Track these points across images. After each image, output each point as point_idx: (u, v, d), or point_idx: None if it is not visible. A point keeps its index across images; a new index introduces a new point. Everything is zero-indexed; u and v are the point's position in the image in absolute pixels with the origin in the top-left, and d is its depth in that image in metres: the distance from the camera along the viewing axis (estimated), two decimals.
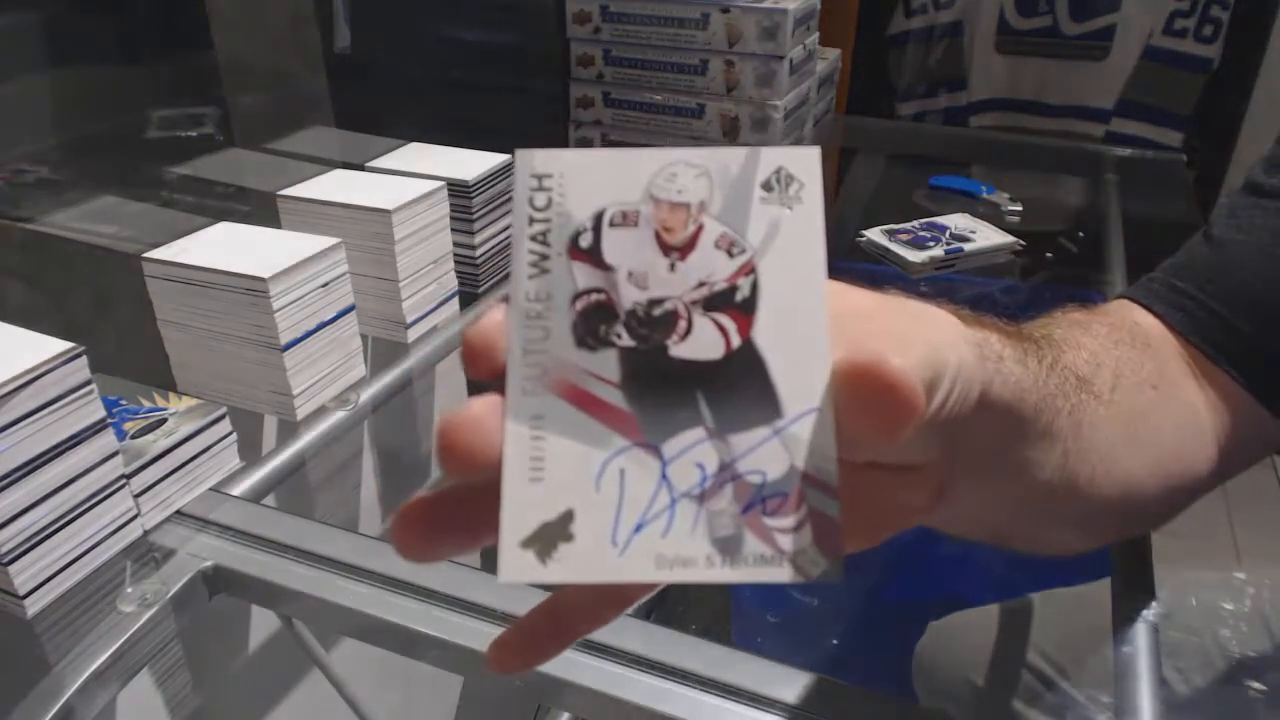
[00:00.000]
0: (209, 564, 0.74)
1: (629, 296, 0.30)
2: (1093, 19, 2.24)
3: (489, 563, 0.82)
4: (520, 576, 0.27)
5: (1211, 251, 0.61)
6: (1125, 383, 0.51)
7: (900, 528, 0.36)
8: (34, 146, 0.99)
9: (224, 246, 0.89)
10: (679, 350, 0.29)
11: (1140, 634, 0.70)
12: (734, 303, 0.29)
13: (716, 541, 0.28)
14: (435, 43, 1.62)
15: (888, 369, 0.27)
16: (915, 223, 1.49)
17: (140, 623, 0.69)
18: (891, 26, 2.41)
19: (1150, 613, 0.71)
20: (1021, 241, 1.44)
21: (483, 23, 1.60)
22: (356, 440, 1.06)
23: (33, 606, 0.68)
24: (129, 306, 0.90)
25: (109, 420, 0.71)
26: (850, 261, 1.39)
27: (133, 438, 0.76)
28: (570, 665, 0.65)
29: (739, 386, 0.29)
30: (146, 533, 0.76)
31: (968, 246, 1.41)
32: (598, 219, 0.30)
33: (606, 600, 0.35)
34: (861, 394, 0.28)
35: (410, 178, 1.03)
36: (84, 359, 0.68)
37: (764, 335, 0.29)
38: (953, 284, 1.38)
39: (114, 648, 0.68)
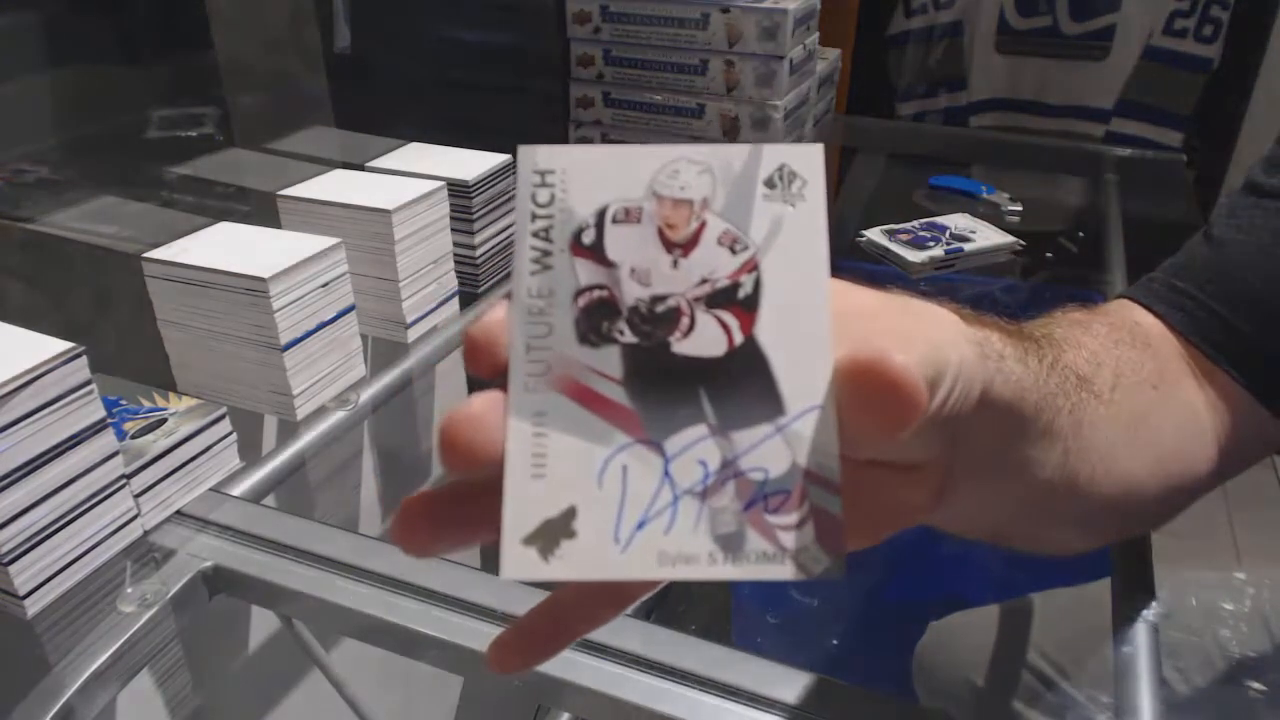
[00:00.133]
0: (209, 564, 0.74)
1: (631, 293, 0.30)
2: (1093, 19, 2.24)
3: (489, 563, 0.82)
4: (522, 573, 0.27)
5: (1212, 251, 0.61)
6: (1125, 382, 0.51)
7: (901, 526, 0.36)
8: (34, 146, 0.98)
9: (224, 246, 0.89)
10: (681, 347, 0.29)
11: (1140, 634, 0.70)
12: (737, 300, 0.29)
13: (719, 538, 0.28)
14: (435, 43, 1.62)
15: (890, 366, 0.27)
16: (915, 223, 1.49)
17: (140, 623, 0.69)
18: (891, 26, 2.41)
19: (1150, 613, 0.71)
20: (1021, 241, 1.44)
21: (482, 23, 1.60)
22: (356, 440, 1.06)
23: (33, 607, 0.68)
24: (129, 306, 0.90)
25: (109, 420, 0.71)
26: (850, 261, 1.39)
27: (133, 438, 0.76)
28: (570, 665, 0.65)
29: (741, 383, 0.29)
30: (146, 533, 0.76)
31: (968, 246, 1.41)
32: (600, 215, 0.30)
33: (607, 599, 0.35)
34: (864, 391, 0.28)
35: (410, 178, 1.03)
36: (84, 359, 0.68)
37: (766, 332, 0.29)
38: (953, 284, 1.38)
39: (114, 648, 0.67)
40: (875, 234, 1.45)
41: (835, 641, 1.29)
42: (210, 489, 0.81)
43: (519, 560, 0.27)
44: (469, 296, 1.11)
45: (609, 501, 0.28)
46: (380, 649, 0.72)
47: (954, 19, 2.36)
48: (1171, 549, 0.78)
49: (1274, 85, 2.25)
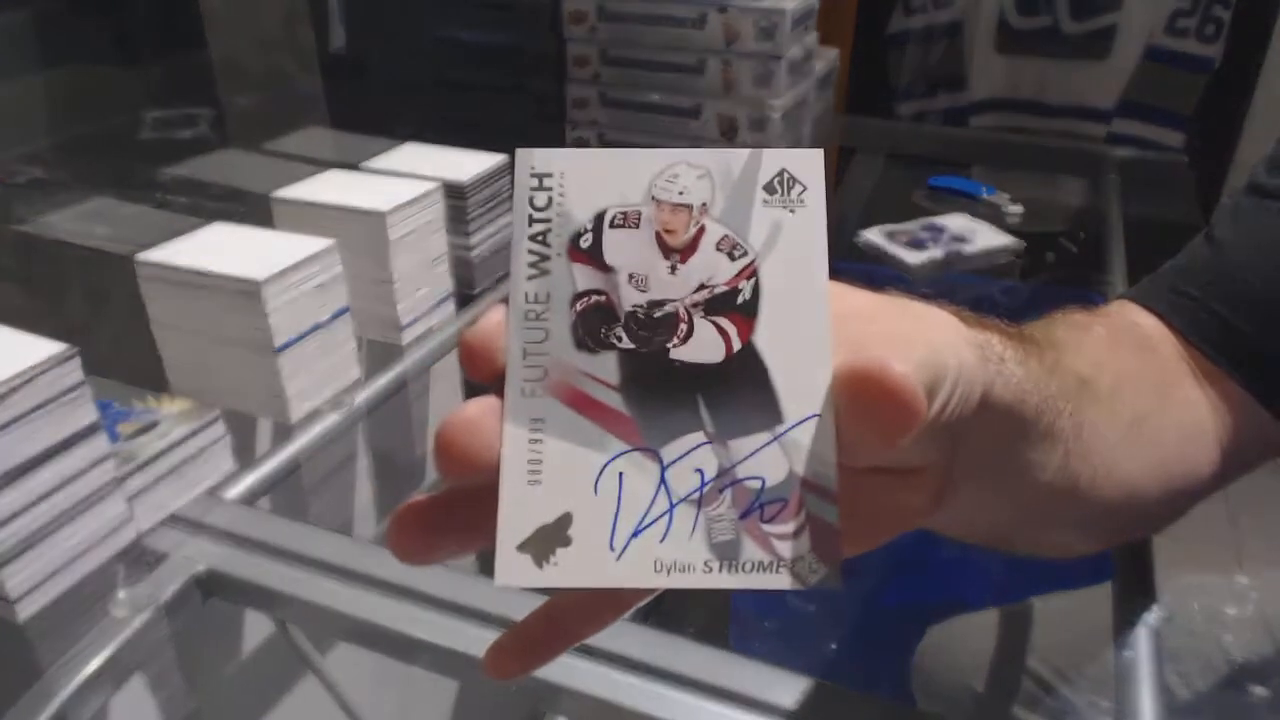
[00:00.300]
0: (202, 568, 0.74)
1: (629, 298, 0.29)
2: (1093, 18, 2.23)
3: (485, 567, 0.81)
4: (516, 580, 0.27)
5: (1213, 253, 0.61)
6: (1126, 384, 0.51)
7: (900, 530, 0.36)
8: (27, 147, 0.98)
9: (218, 248, 0.88)
10: (679, 353, 0.29)
11: (1141, 638, 0.69)
12: (735, 306, 0.29)
13: (715, 547, 0.28)
14: (430, 42, 1.62)
15: (889, 375, 0.27)
16: (914, 223, 1.49)
17: (133, 627, 0.69)
18: (891, 25, 2.41)
19: (1152, 617, 0.71)
20: (1022, 242, 1.44)
21: (478, 22, 1.60)
22: (351, 443, 1.06)
23: (24, 611, 0.68)
24: (122, 308, 0.90)
25: (102, 423, 0.70)
26: (849, 262, 1.39)
27: (126, 440, 0.76)
28: (567, 670, 0.64)
29: (739, 391, 0.29)
30: (140, 536, 0.76)
31: (967, 247, 1.41)
32: (598, 220, 0.30)
33: (604, 604, 0.35)
34: (862, 400, 0.27)
35: (405, 179, 1.03)
36: (77, 361, 0.67)
37: (765, 339, 0.29)
38: (952, 285, 1.38)
39: (107, 652, 0.67)
40: (874, 235, 1.45)
41: (833, 645, 1.29)
42: (204, 492, 0.81)
43: (513, 567, 0.27)
44: (465, 298, 1.10)
45: (605, 509, 0.28)
46: (375, 653, 0.72)
47: (954, 18, 2.35)
48: (1173, 552, 0.78)
49: (1276, 85, 2.25)
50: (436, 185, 1.02)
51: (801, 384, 0.28)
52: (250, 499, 0.82)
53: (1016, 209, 1.57)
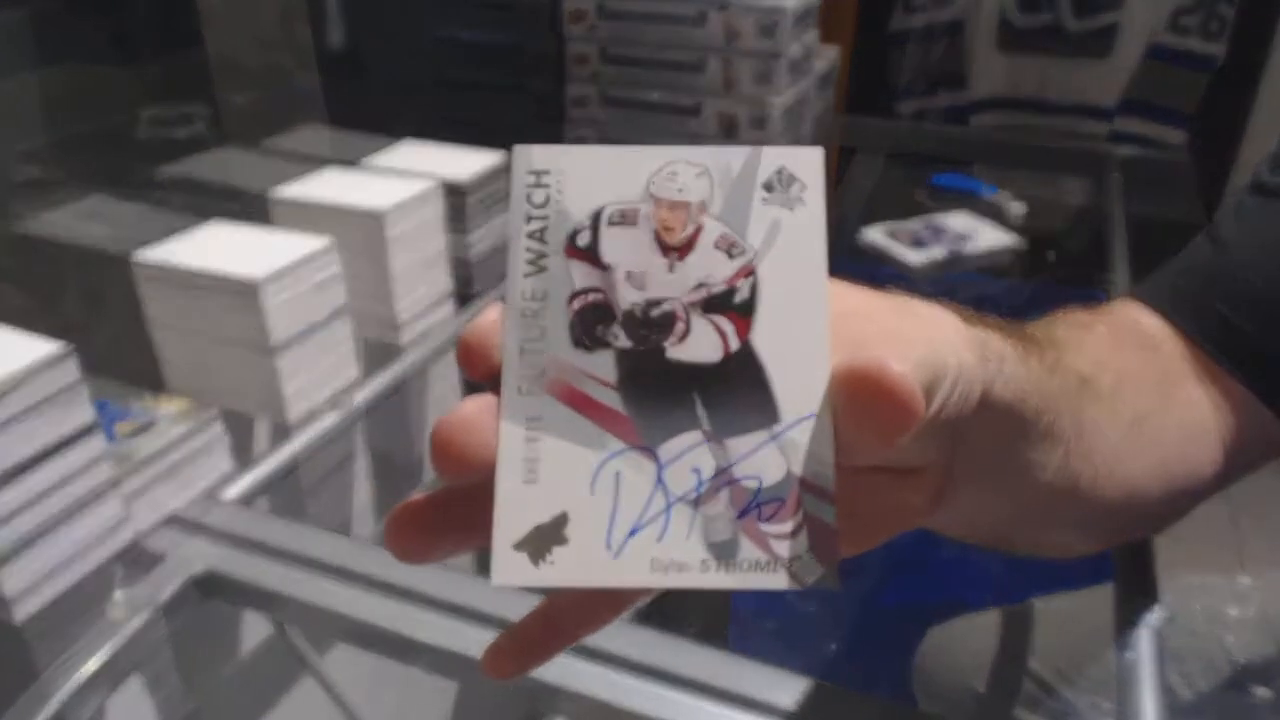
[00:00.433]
0: (200, 568, 0.74)
1: (627, 297, 0.29)
2: (1095, 16, 2.23)
3: (482, 568, 0.81)
4: (513, 579, 0.27)
5: (1216, 252, 0.60)
6: (1128, 384, 0.50)
7: (900, 530, 0.36)
8: (24, 146, 0.98)
9: (215, 247, 0.88)
10: (677, 352, 0.29)
11: (1143, 639, 0.69)
12: (733, 305, 0.29)
13: (712, 546, 0.27)
14: (430, 41, 1.62)
15: (887, 374, 0.27)
16: (916, 222, 1.49)
17: (131, 628, 0.69)
18: (892, 24, 2.41)
19: (1153, 617, 0.71)
20: (1024, 241, 1.44)
21: (478, 21, 1.60)
22: (349, 443, 1.05)
23: (21, 612, 0.68)
24: (119, 307, 0.90)
25: (99, 422, 0.70)
26: (850, 262, 1.39)
27: (123, 440, 0.76)
28: (565, 671, 0.64)
29: (737, 390, 0.28)
30: (137, 537, 0.75)
31: (969, 246, 1.41)
32: (596, 217, 0.30)
33: (602, 604, 0.35)
34: (860, 399, 0.27)
35: (404, 177, 1.03)
36: (74, 360, 0.67)
37: (763, 339, 0.29)
38: (954, 284, 1.37)
39: (104, 653, 0.67)
40: (875, 233, 1.45)
41: (834, 646, 1.29)
42: (202, 492, 0.80)
43: (510, 566, 0.27)
44: (464, 298, 1.10)
45: (601, 508, 0.28)
46: (374, 654, 0.72)
47: (955, 16, 2.35)
48: (1174, 552, 0.78)
49: (1279, 83, 2.25)
50: (435, 184, 1.02)
51: (799, 383, 0.28)
52: (248, 499, 0.82)
53: (1018, 208, 1.57)
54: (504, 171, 1.11)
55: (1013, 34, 2.32)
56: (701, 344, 0.29)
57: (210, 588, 0.74)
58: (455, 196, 1.06)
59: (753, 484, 0.28)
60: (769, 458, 0.28)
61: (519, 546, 0.27)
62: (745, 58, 1.47)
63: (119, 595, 0.71)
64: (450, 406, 0.28)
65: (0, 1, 0.94)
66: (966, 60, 2.38)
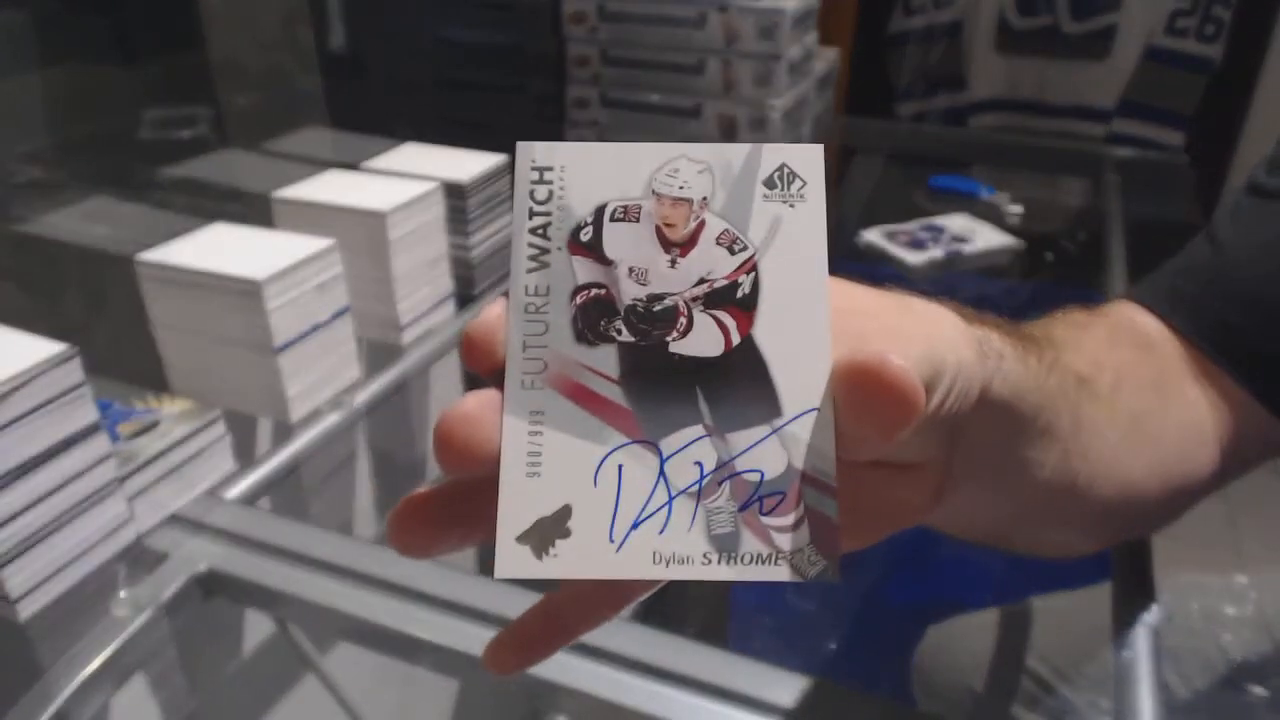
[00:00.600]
0: (203, 567, 0.74)
1: (629, 292, 0.29)
2: (1093, 18, 2.24)
3: (483, 566, 0.81)
4: (516, 572, 0.27)
5: (1213, 252, 0.61)
6: (1126, 384, 0.51)
7: (899, 527, 0.36)
8: (27, 147, 0.98)
9: (218, 248, 0.88)
10: (679, 347, 0.29)
11: (1141, 638, 0.69)
12: (735, 300, 0.29)
13: (713, 539, 0.28)
14: (430, 42, 1.62)
15: (888, 369, 0.27)
16: (914, 223, 1.49)
17: (134, 627, 0.69)
18: (891, 26, 2.41)
19: (1151, 616, 0.71)
20: (1022, 242, 1.44)
21: (478, 22, 1.60)
22: (351, 443, 1.06)
23: (25, 610, 0.68)
24: (122, 308, 0.90)
25: (102, 423, 0.71)
26: (849, 263, 1.39)
27: (126, 440, 0.76)
28: (565, 668, 0.64)
29: (738, 384, 0.29)
30: (140, 536, 0.76)
31: (967, 247, 1.41)
32: (599, 213, 0.30)
33: (603, 599, 0.35)
34: (861, 393, 0.27)
35: (405, 179, 1.03)
36: (77, 361, 0.67)
37: (764, 333, 0.29)
38: (953, 285, 1.38)
39: (107, 652, 0.67)
40: (874, 235, 1.45)
41: (833, 645, 1.29)
42: (204, 492, 0.81)
43: (513, 558, 0.27)
44: (465, 299, 1.10)
45: (604, 501, 0.28)
46: (375, 652, 0.72)
47: (954, 18, 2.36)
48: (1172, 552, 0.78)
49: (1276, 85, 2.25)
50: (436, 185, 1.02)
51: (800, 378, 0.28)
52: (251, 499, 0.82)
53: (1017, 209, 1.57)
54: (505, 173, 1.12)
55: (1011, 36, 2.32)
56: (703, 339, 0.29)
57: (213, 586, 0.74)
58: (456, 198, 1.06)
59: (754, 477, 0.28)
60: (770, 451, 0.28)
61: (522, 539, 0.27)
62: (745, 59, 1.47)
63: (122, 594, 0.71)
64: (451, 402, 0.28)
65: (3, 2, 0.94)
66: (965, 62, 2.39)
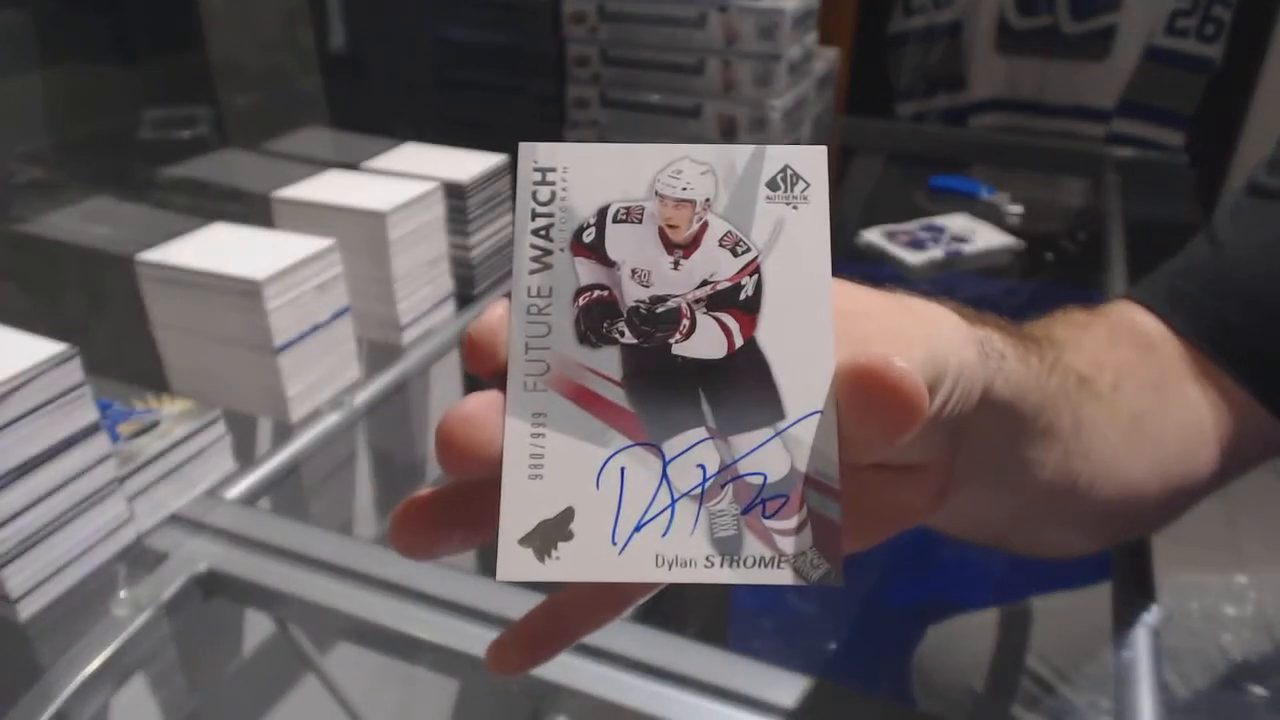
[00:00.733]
0: (203, 567, 0.74)
1: (632, 293, 0.29)
2: (1093, 18, 2.24)
3: (484, 566, 0.81)
4: (518, 574, 0.27)
5: (1213, 253, 0.61)
6: (1126, 384, 0.51)
7: (901, 528, 0.36)
8: (27, 147, 0.98)
9: (218, 248, 0.88)
10: (682, 349, 0.29)
11: (1140, 638, 0.69)
12: (738, 302, 0.29)
13: (716, 542, 0.28)
14: (430, 42, 1.62)
15: (892, 371, 0.27)
16: (914, 223, 1.49)
17: (134, 626, 0.69)
18: (891, 26, 2.41)
19: (1150, 616, 0.71)
20: (1022, 242, 1.44)
21: (478, 22, 1.60)
22: (351, 443, 1.06)
23: (25, 610, 0.68)
24: (122, 308, 0.90)
25: (102, 423, 0.70)
26: (849, 263, 1.39)
27: (126, 440, 0.76)
28: (566, 669, 0.64)
29: (741, 387, 0.29)
30: (140, 536, 0.76)
31: (967, 248, 1.41)
32: (601, 214, 0.30)
33: (606, 601, 0.35)
34: (865, 396, 0.27)
35: (405, 179, 1.03)
36: (77, 361, 0.67)
37: (767, 335, 0.29)
38: (953, 285, 1.38)
39: (107, 652, 0.67)
40: (874, 235, 1.45)
41: (833, 645, 1.29)
42: (204, 492, 0.80)
43: (515, 561, 0.27)
44: (465, 299, 1.10)
45: (606, 503, 0.28)
46: (375, 653, 0.72)
47: (954, 18, 2.36)
48: (1172, 552, 0.78)
49: (1277, 85, 2.25)
50: (436, 185, 1.02)
51: (804, 380, 0.28)
52: (251, 499, 0.82)
53: (1016, 209, 1.57)
54: (505, 173, 1.11)
55: (1011, 36, 2.32)
56: (706, 341, 0.29)
57: (213, 586, 0.74)
58: (456, 197, 1.06)
59: (757, 480, 0.28)
60: (773, 454, 0.28)
61: (524, 542, 0.27)
62: (745, 59, 1.47)
63: (122, 594, 0.71)
64: (453, 403, 0.28)
65: (3, 2, 0.94)
66: (965, 62, 2.39)
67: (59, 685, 0.65)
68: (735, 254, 0.30)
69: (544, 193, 0.30)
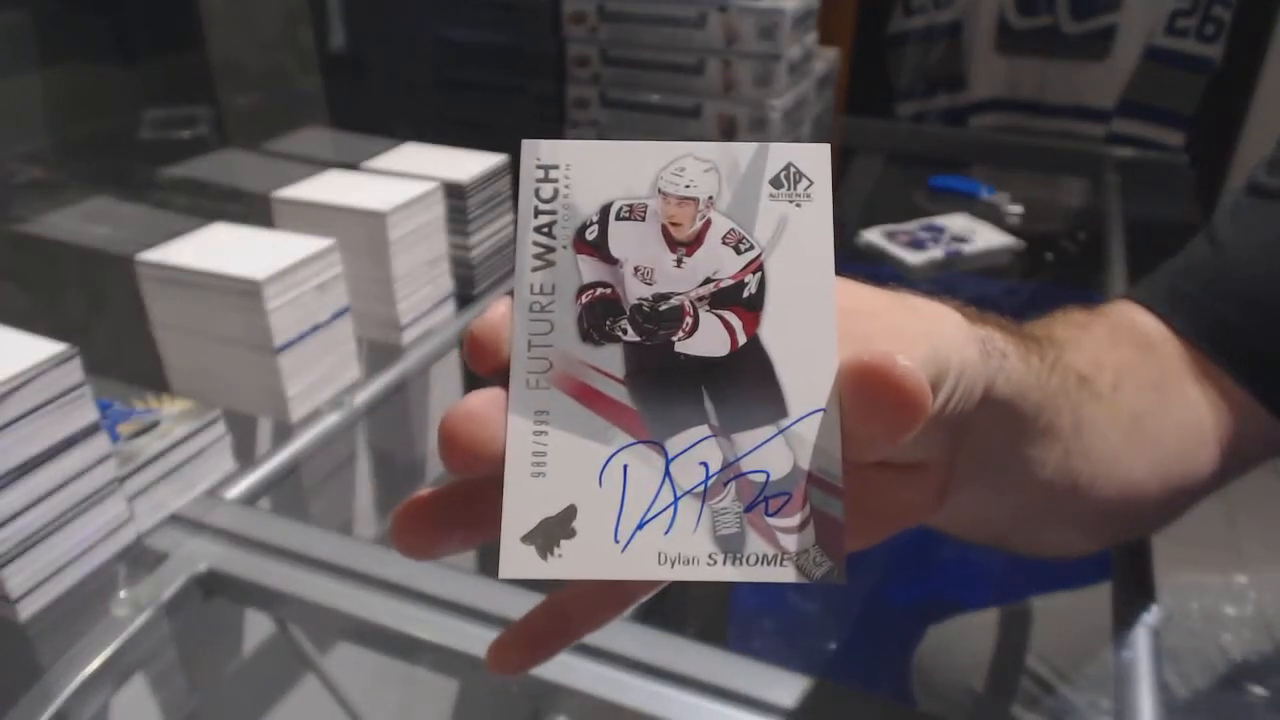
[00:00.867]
0: (203, 567, 0.74)
1: (635, 291, 0.29)
2: (1093, 18, 2.24)
3: (484, 566, 0.81)
4: (521, 572, 0.27)
5: (1213, 252, 0.61)
6: (1126, 383, 0.51)
7: (902, 527, 0.36)
8: (27, 147, 0.98)
9: (218, 248, 0.88)
10: (685, 347, 0.29)
11: (1141, 638, 0.69)
12: (741, 300, 0.29)
13: (719, 540, 0.27)
14: (430, 42, 1.62)
15: (895, 369, 0.27)
16: (914, 223, 1.49)
17: (134, 626, 0.69)
18: (891, 26, 2.41)
19: (1150, 616, 0.71)
20: (1022, 242, 1.44)
21: (478, 22, 1.60)
22: (351, 443, 1.05)
23: (25, 610, 0.68)
24: (122, 308, 0.90)
25: (102, 423, 0.70)
26: (849, 263, 1.39)
27: (126, 440, 0.76)
28: (566, 669, 0.64)
29: (744, 384, 0.29)
30: (140, 536, 0.76)
31: (967, 248, 1.41)
32: (604, 212, 0.30)
33: (607, 600, 0.35)
34: (868, 394, 0.27)
35: (405, 179, 1.03)
36: (77, 361, 0.67)
37: (770, 333, 0.29)
38: (953, 285, 1.38)
39: (108, 652, 0.67)
40: (874, 235, 1.45)
41: (833, 645, 1.29)
42: (204, 492, 0.80)
43: (517, 559, 0.27)
44: (465, 299, 1.10)
45: (609, 501, 0.28)
46: (375, 653, 0.72)
47: (954, 18, 2.36)
48: (1172, 552, 0.78)
49: (1277, 85, 2.25)
50: (436, 185, 1.02)
51: (806, 378, 0.28)
52: (251, 499, 0.82)
53: (1016, 209, 1.57)
54: (505, 173, 1.11)
55: (1011, 36, 2.32)
56: (709, 338, 0.29)
57: (213, 586, 0.74)
58: (456, 197, 1.06)
59: (760, 478, 0.28)
60: (776, 452, 0.28)
61: (527, 539, 0.27)
62: (745, 59, 1.47)
63: (122, 594, 0.71)
64: (454, 401, 0.28)
65: (3, 2, 0.94)
66: (965, 62, 2.39)
67: (59, 685, 0.65)
68: (738, 252, 0.30)
69: (547, 190, 0.30)
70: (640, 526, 0.27)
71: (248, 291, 0.83)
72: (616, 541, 0.27)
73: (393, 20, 1.60)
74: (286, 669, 0.96)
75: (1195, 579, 0.91)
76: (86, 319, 0.98)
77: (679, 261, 0.29)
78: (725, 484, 0.28)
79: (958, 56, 2.39)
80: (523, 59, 1.60)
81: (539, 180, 0.30)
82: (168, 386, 0.92)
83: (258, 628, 0.92)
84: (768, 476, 0.28)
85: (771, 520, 0.27)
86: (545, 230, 0.30)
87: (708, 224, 0.30)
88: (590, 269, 0.29)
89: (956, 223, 1.49)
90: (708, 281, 0.29)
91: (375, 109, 1.53)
